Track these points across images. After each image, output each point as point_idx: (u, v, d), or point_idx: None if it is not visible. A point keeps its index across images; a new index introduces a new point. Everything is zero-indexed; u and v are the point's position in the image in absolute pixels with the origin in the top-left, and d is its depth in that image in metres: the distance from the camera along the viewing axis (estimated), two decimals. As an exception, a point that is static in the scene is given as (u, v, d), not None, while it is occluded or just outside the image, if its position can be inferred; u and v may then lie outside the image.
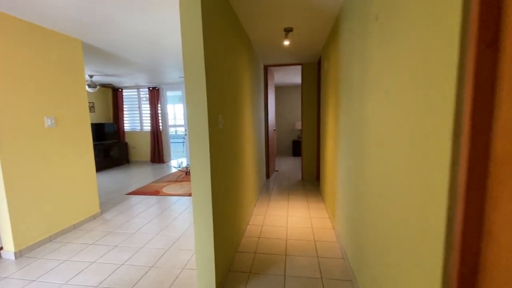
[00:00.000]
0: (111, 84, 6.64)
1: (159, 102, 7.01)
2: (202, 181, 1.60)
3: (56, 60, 2.64)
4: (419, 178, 0.89)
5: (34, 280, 1.92)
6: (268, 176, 4.99)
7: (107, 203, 3.74)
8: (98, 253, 2.31)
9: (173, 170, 6.16)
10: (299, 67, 5.10)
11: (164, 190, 4.36)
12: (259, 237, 2.55)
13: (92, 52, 3.49)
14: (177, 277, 1.93)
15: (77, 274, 2.00)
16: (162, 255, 2.25)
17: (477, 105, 0.62)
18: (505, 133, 0.58)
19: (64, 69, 2.73)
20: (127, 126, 7.40)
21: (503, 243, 0.59)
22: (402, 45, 1.03)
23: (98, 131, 6.32)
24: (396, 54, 1.08)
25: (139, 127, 7.37)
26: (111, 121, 7.27)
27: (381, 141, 1.28)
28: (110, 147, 6.54)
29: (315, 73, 4.61)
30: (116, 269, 2.05)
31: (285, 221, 2.94)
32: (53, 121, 2.60)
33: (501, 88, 0.59)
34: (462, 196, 0.65)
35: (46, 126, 2.53)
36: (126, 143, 7.27)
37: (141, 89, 7.17)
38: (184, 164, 6.24)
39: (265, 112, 4.80)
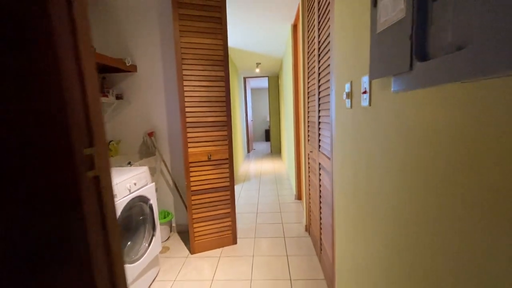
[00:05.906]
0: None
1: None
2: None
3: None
4: (291, 134, 3.32)
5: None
6: (248, 151, 7.38)
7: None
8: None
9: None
10: (267, 78, 7.51)
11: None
12: (246, 171, 4.94)
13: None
14: (211, 183, 4.25)
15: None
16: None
17: (298, 119, 3.05)
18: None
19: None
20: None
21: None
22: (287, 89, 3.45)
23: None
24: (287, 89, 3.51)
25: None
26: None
27: (289, 121, 3.72)
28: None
29: (277, 83, 7.06)
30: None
31: (260, 167, 5.37)
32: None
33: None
34: (297, 140, 3.09)
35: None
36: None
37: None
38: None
39: (245, 107, 7.14)
